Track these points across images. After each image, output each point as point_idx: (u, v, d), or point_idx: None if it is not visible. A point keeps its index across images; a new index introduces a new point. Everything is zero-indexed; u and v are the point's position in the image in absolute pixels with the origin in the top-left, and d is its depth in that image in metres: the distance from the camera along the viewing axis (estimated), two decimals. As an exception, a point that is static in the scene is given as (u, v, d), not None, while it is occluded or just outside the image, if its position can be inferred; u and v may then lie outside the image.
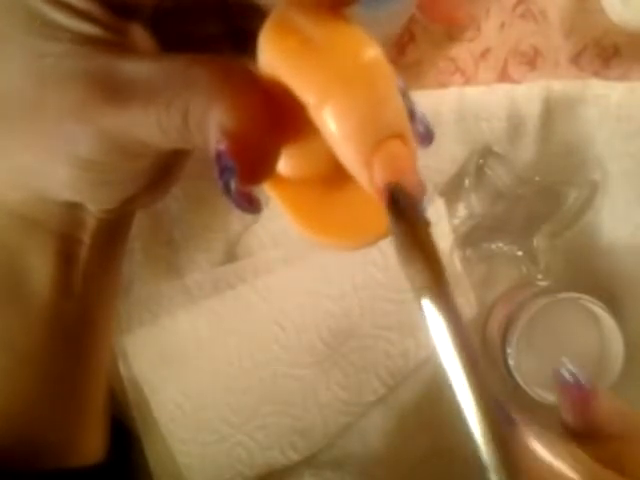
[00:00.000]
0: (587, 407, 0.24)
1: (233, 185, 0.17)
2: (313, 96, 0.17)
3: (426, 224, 0.17)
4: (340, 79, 0.16)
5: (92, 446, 0.29)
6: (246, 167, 0.17)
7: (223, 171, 0.17)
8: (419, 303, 0.16)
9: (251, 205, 0.18)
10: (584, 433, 0.24)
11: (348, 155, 0.17)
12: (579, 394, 0.24)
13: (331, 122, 0.17)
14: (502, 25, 0.39)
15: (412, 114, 0.19)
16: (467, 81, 0.39)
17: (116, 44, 0.21)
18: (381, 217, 0.17)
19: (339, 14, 0.18)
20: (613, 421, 0.24)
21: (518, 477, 0.17)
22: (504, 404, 0.17)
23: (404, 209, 0.17)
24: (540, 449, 0.21)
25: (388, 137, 0.16)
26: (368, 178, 0.17)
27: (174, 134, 0.20)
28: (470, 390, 0.16)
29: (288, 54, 0.17)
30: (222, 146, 0.17)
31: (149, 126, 0.20)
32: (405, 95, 0.18)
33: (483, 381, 0.17)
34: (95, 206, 0.24)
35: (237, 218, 0.36)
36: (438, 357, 0.17)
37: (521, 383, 0.34)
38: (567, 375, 0.24)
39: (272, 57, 0.18)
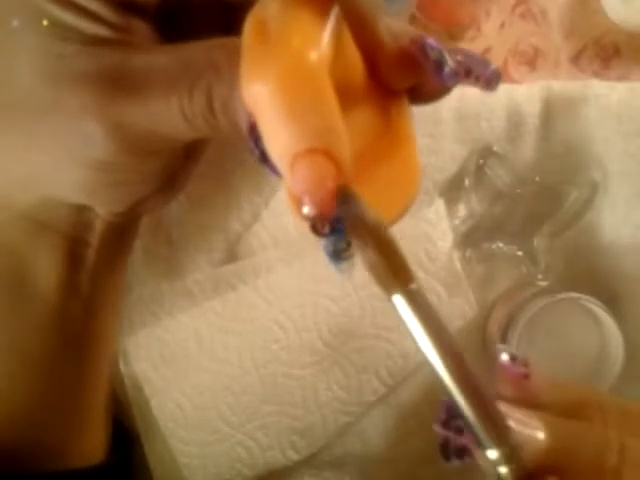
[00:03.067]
0: (525, 380, 0.25)
1: None
2: (244, 88, 0.17)
3: (372, 223, 0.17)
4: (270, 78, 0.16)
5: (94, 446, 0.29)
6: None
7: (259, 140, 0.18)
8: (390, 300, 0.17)
9: None
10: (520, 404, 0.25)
11: (272, 154, 0.17)
12: (517, 370, 0.26)
13: (258, 118, 0.17)
14: (502, 25, 0.39)
15: (468, 58, 0.19)
16: (467, 81, 0.39)
17: (124, 43, 0.21)
18: (385, 213, 0.18)
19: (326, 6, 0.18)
20: (546, 390, 0.25)
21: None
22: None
23: (353, 212, 0.17)
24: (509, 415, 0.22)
25: (310, 149, 0.16)
26: (289, 181, 0.17)
27: (198, 120, 0.20)
28: (453, 383, 0.17)
29: (244, 46, 0.18)
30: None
31: (172, 116, 0.20)
32: (439, 51, 0.19)
33: (463, 368, 0.17)
34: (104, 209, 0.24)
35: (237, 218, 0.36)
36: (420, 353, 0.17)
37: (521, 383, 0.34)
38: (505, 356, 0.26)
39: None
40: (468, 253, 0.37)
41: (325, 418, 0.35)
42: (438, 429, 0.20)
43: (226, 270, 0.36)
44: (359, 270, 0.36)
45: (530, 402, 0.24)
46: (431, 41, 0.19)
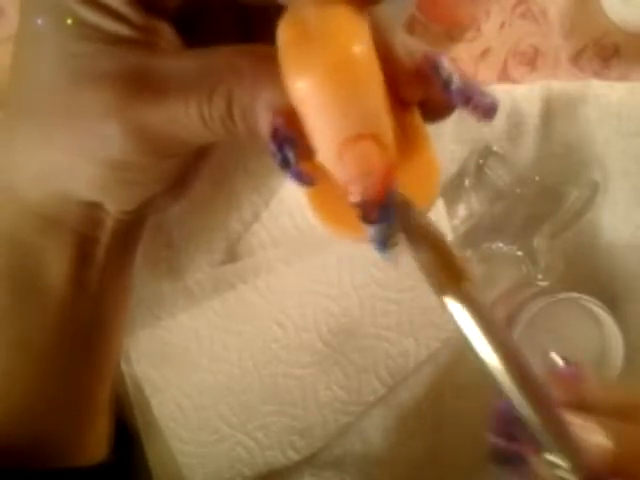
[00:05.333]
0: (578, 383, 0.25)
1: (292, 157, 0.18)
2: (290, 84, 0.17)
3: (425, 225, 0.17)
4: (317, 71, 0.17)
5: (96, 445, 0.29)
6: (303, 135, 0.18)
7: (281, 145, 0.18)
8: (441, 300, 0.16)
9: (307, 176, 0.18)
10: (570, 407, 0.25)
11: (319, 146, 0.18)
12: (571, 372, 0.25)
13: (306, 111, 0.17)
14: (502, 25, 0.39)
15: (469, 86, 0.19)
16: (467, 81, 0.39)
17: (146, 44, 0.21)
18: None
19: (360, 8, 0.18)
20: (595, 394, 0.25)
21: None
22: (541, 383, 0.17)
23: (404, 214, 0.17)
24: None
25: (358, 135, 0.17)
26: (338, 170, 0.17)
27: (217, 124, 0.20)
28: (514, 385, 0.16)
29: (284, 46, 0.18)
30: (279, 121, 0.18)
31: (190, 119, 0.20)
32: (446, 71, 0.19)
33: (520, 364, 0.16)
34: (115, 206, 0.24)
35: (237, 218, 0.36)
36: (471, 349, 0.17)
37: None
38: (558, 359, 0.25)
39: (279, 51, 0.18)
40: (468, 253, 0.37)
41: (325, 418, 0.35)
42: (490, 437, 0.20)
43: (226, 270, 0.36)
44: (359, 270, 0.36)
45: (580, 405, 0.24)
46: (443, 59, 0.20)
